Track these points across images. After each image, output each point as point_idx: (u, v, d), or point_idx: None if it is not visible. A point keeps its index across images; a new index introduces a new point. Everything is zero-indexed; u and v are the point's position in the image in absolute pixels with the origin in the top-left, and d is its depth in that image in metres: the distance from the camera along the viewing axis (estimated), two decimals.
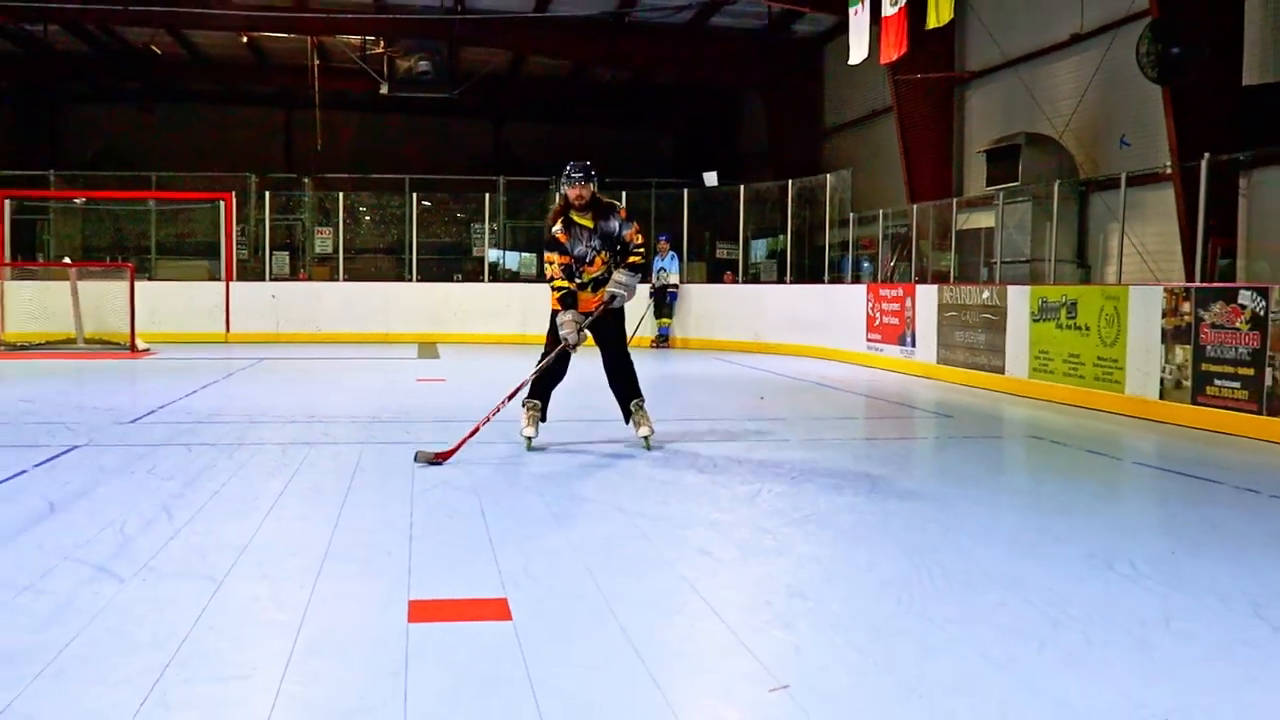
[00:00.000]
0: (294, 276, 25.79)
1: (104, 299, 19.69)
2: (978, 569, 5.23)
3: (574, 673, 3.82)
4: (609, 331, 8.79)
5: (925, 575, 5.10)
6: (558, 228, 8.51)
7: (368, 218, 26.88)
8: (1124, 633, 4.32)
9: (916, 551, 5.54)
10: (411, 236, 24.78)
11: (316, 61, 27.19)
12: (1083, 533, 6.07)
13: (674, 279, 22.05)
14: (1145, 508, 7.50)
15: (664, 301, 22.04)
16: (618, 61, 27.11)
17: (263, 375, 15.40)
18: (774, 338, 20.95)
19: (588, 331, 8.50)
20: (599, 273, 8.65)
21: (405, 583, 4.85)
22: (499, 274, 26.45)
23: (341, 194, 25.13)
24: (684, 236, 23.27)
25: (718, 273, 24.18)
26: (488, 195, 25.18)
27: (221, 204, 23.50)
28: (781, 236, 22.88)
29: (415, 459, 7.81)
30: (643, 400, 8.86)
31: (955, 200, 18.04)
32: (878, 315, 17.72)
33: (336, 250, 25.01)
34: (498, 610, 4.48)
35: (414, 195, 24.95)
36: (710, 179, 23.69)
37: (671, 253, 22.10)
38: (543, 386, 8.87)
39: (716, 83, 28.58)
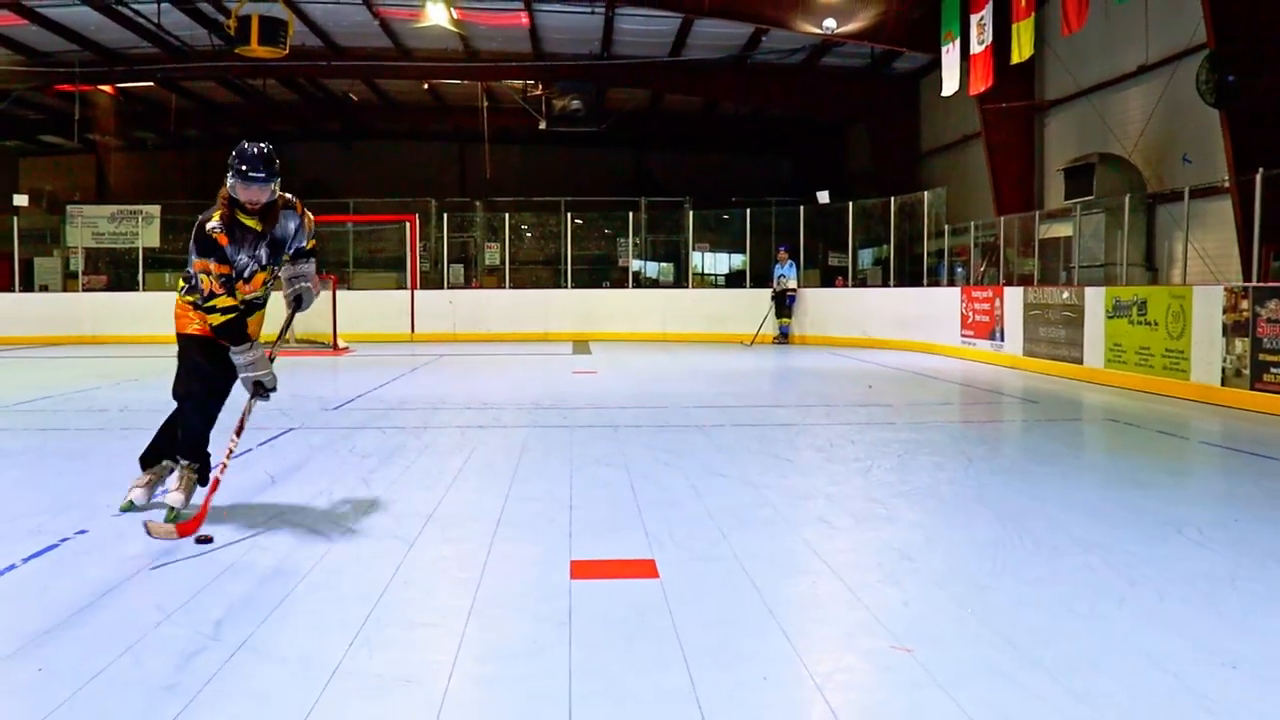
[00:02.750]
0: (468, 285, 26.12)
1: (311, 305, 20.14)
2: (1062, 534, 5.13)
3: (713, 623, 3.82)
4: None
5: (1016, 540, 5.02)
6: (215, 224, 5.25)
7: (529, 234, 27.15)
8: (1193, 590, 4.22)
9: (1008, 519, 5.45)
10: (566, 249, 24.96)
11: (485, 103, 27.52)
12: (1154, 503, 5.92)
13: (792, 283, 21.94)
14: (1210, 481, 7.27)
15: (784, 303, 21.95)
16: (742, 98, 27.02)
17: (442, 369, 15.64)
18: (880, 334, 20.74)
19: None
20: (256, 294, 5.54)
21: (567, 545, 4.89)
22: (641, 281, 26.50)
23: (507, 214, 25.45)
24: (801, 247, 23.12)
25: (830, 278, 23.98)
26: (631, 214, 25.27)
27: (407, 224, 23.92)
28: (885, 246, 22.61)
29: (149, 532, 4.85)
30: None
31: (1037, 213, 17.63)
32: (970, 314, 17.45)
33: (503, 262, 25.26)
34: (646, 569, 4.50)
35: (568, 214, 25.16)
36: (823, 197, 23.49)
37: (790, 261, 22.03)
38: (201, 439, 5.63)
39: (827, 114, 28.33)
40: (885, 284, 22.46)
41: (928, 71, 23.46)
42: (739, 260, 26.02)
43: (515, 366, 16.15)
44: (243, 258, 5.35)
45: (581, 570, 4.48)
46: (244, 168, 5.22)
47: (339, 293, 20.35)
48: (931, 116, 25.03)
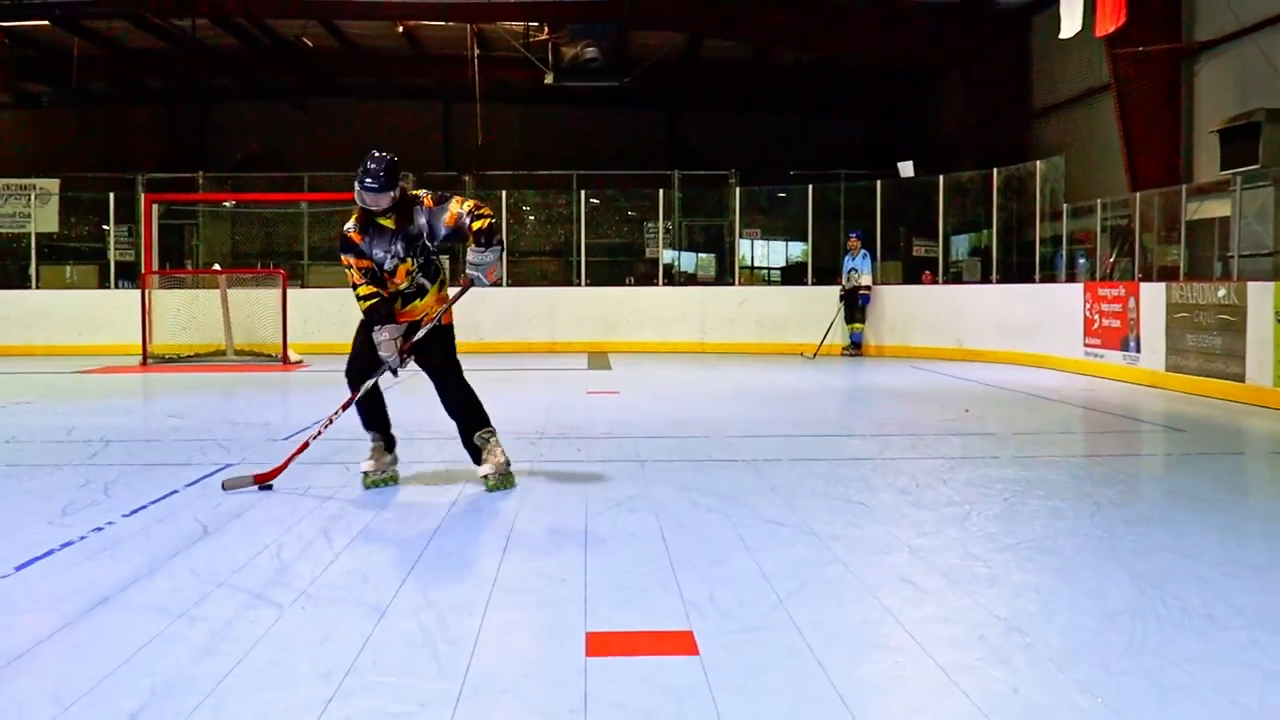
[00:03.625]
0: (454, 281, 26.11)
1: (254, 308, 20.19)
2: (1221, 601, 5.08)
3: (767, 713, 3.80)
4: (433, 356, 8.37)
5: (1160, 608, 4.97)
6: (350, 225, 7.62)
7: (532, 217, 27.14)
8: None
9: (1149, 581, 5.40)
10: (580, 237, 24.94)
11: (476, 51, 27.57)
12: None
13: (866, 280, 21.89)
14: None
15: (855, 304, 21.92)
16: (802, 42, 26.93)
17: (421, 388, 15.54)
18: (978, 344, 20.69)
19: (409, 357, 8.16)
20: (404, 285, 7.95)
21: (581, 613, 4.87)
22: (674, 277, 26.45)
23: (504, 192, 25.35)
24: (877, 233, 23.09)
25: (915, 272, 23.93)
26: (661, 192, 25.13)
27: None
28: (986, 231, 22.56)
29: (224, 488, 7.63)
30: (492, 431, 8.38)
31: (1184, 187, 17.55)
32: (1096, 317, 17.39)
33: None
34: (683, 644, 4.47)
35: (582, 193, 25.12)
36: (905, 169, 23.44)
37: (864, 251, 21.97)
38: (372, 415, 8.41)
39: (911, 63, 28.25)
40: (985, 280, 22.40)
41: (1042, 7, 23.42)
42: (798, 250, 26.04)
43: (514, 385, 16.14)
44: (378, 253, 7.62)
45: (600, 645, 4.46)
46: (364, 176, 7.28)
47: (291, 291, 20.39)
48: (1046, 65, 24.97)
